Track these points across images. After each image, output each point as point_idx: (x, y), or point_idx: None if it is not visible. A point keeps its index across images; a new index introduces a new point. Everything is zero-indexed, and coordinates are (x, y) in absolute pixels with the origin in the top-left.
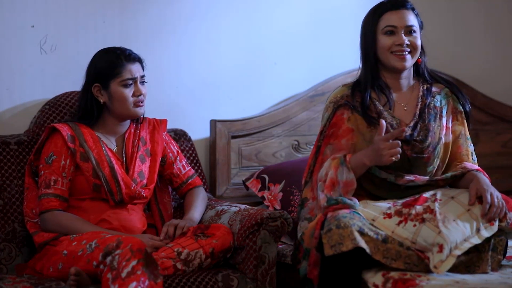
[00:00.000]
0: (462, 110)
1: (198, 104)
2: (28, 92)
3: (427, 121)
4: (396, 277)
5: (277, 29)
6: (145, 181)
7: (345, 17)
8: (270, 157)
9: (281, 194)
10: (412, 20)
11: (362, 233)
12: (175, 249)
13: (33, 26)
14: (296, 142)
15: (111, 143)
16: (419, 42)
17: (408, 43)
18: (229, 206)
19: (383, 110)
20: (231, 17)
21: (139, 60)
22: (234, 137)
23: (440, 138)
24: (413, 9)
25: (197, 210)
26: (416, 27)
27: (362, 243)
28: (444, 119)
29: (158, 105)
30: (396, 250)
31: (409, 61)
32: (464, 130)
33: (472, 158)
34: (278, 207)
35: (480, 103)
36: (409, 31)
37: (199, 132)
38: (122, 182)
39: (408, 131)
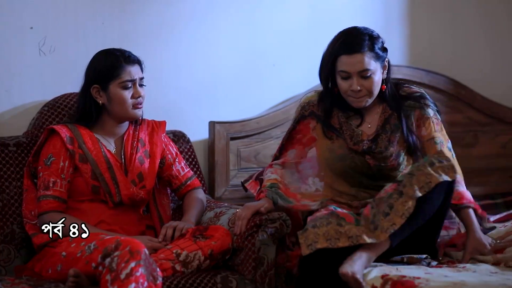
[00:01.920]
0: (429, 116)
1: (197, 106)
2: (27, 93)
3: (389, 133)
4: (395, 278)
5: (276, 31)
6: (144, 183)
7: (344, 18)
8: (269, 158)
9: None
10: (366, 63)
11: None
12: (174, 251)
13: (32, 28)
14: None
15: (110, 145)
16: (375, 83)
17: (361, 89)
18: (228, 208)
19: (344, 122)
20: (230, 19)
21: (138, 62)
22: (233, 138)
23: (404, 147)
24: (371, 48)
25: (195, 211)
26: (372, 69)
27: (334, 244)
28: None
29: (157, 106)
30: (335, 229)
31: (367, 101)
32: (434, 132)
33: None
34: None
35: (479, 104)
36: (362, 76)
37: (198, 133)
38: (121, 184)
39: (367, 144)
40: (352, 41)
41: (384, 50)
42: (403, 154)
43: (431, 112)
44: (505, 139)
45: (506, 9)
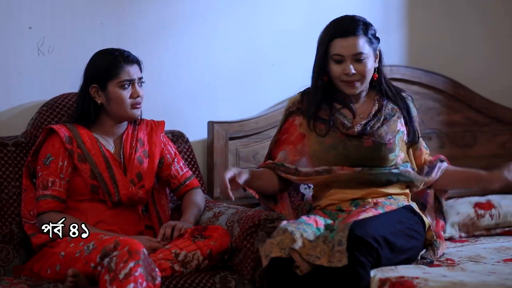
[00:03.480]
0: (415, 116)
1: (195, 106)
2: (26, 93)
3: (383, 118)
4: (393, 280)
5: (275, 30)
6: (142, 182)
7: None
8: None
9: None
10: (360, 47)
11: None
12: (173, 251)
13: (30, 28)
14: None
15: (109, 144)
16: (368, 68)
17: (355, 72)
18: (226, 208)
19: (335, 112)
20: (229, 19)
21: (137, 62)
22: (231, 138)
23: (398, 130)
24: (365, 33)
25: (194, 211)
26: (366, 53)
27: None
28: (402, 119)
29: (156, 106)
30: (321, 247)
31: (359, 87)
32: (419, 135)
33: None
34: None
35: (478, 104)
36: (356, 59)
37: (196, 133)
38: (120, 183)
39: (360, 126)
40: (346, 25)
41: (377, 38)
42: (397, 138)
43: (414, 112)
44: (504, 139)
45: (504, 9)
